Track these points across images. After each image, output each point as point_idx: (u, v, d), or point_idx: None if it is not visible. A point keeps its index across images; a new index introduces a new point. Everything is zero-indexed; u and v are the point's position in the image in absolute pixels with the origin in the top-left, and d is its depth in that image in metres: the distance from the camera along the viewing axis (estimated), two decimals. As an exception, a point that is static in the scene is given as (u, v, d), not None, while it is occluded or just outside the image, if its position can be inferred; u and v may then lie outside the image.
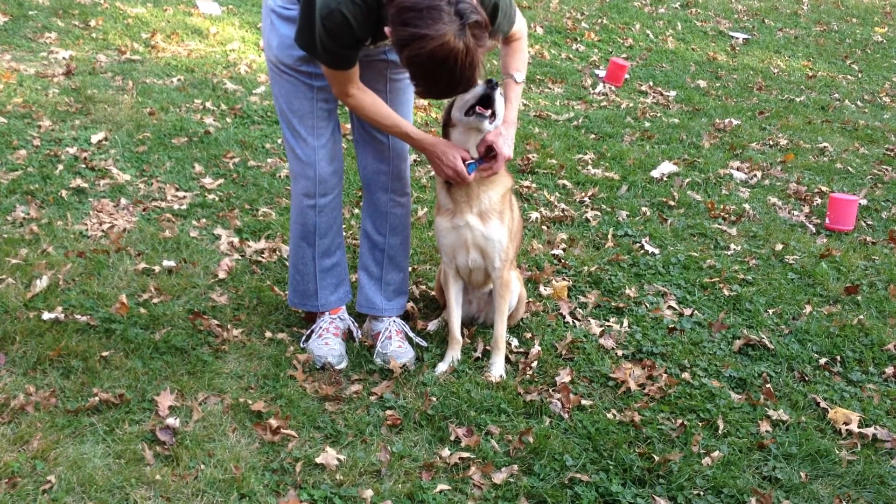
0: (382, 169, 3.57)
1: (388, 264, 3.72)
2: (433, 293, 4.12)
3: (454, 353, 3.63)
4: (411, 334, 3.74)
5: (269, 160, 5.46)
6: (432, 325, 3.91)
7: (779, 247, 4.98)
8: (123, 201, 4.71)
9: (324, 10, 2.92)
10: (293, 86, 3.32)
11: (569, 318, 4.05)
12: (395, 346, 3.59)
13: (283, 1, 3.23)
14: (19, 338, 3.45)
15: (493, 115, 3.31)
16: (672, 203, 5.47)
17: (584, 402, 3.43)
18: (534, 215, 5.06)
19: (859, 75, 9.45)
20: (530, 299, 4.12)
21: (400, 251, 3.73)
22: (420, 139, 3.35)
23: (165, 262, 4.16)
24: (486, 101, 3.26)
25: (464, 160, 3.34)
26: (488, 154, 3.39)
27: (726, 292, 4.41)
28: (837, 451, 3.27)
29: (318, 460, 2.98)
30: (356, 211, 4.89)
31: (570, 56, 8.70)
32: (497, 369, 3.57)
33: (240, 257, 4.30)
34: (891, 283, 4.65)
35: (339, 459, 3.00)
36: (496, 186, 3.48)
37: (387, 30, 2.87)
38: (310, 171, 3.43)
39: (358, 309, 3.78)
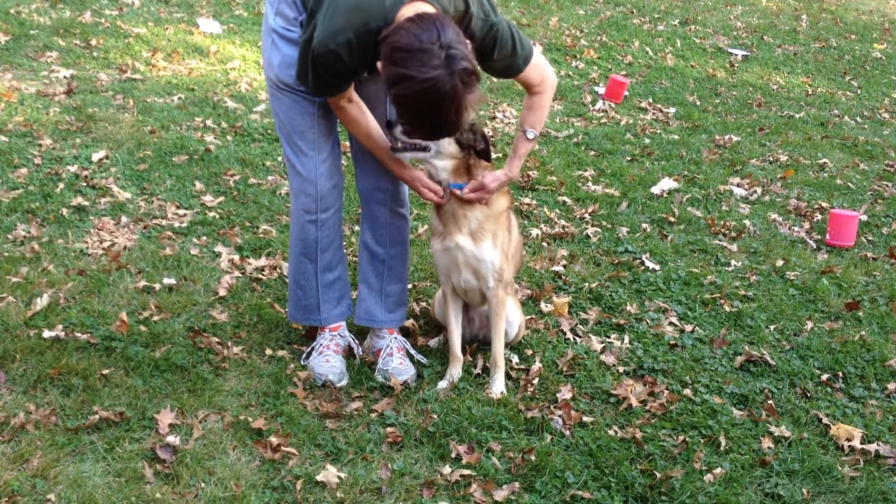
0: (381, 186, 3.58)
1: (388, 275, 3.72)
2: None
3: (455, 371, 3.62)
4: (412, 351, 3.73)
5: (269, 178, 5.47)
6: (433, 342, 3.90)
7: (779, 263, 4.98)
8: (124, 219, 4.72)
9: (320, 47, 2.98)
10: (294, 102, 3.34)
11: (569, 335, 4.05)
12: (397, 363, 3.58)
13: (285, 22, 3.24)
14: (20, 356, 3.45)
15: (424, 147, 3.34)
16: (672, 219, 5.47)
17: (585, 418, 3.42)
18: (534, 232, 5.06)
19: (858, 91, 9.47)
20: (532, 316, 4.12)
21: (400, 262, 3.73)
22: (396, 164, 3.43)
23: (166, 280, 4.16)
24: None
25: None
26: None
27: (727, 308, 4.41)
28: (840, 468, 3.26)
29: (318, 478, 2.97)
30: (356, 228, 4.89)
31: (570, 73, 8.73)
32: (498, 386, 3.56)
33: (240, 275, 4.30)
34: (892, 299, 4.65)
35: (339, 477, 2.99)
36: (486, 206, 3.47)
37: (379, 65, 2.94)
38: (310, 188, 3.44)
39: (356, 322, 3.78)
